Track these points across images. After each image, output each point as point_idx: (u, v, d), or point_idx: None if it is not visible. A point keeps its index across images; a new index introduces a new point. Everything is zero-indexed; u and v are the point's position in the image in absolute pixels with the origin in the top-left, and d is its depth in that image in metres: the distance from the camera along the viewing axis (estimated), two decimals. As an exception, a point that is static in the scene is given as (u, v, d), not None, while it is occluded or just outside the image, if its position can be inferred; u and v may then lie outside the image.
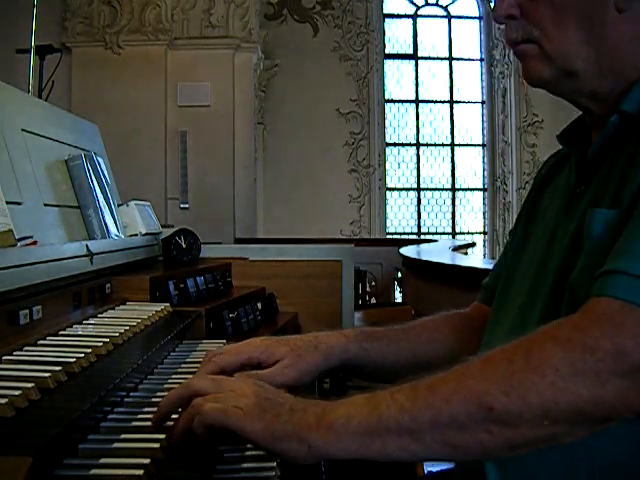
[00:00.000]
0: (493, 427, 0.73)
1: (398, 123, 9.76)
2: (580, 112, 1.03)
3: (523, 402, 0.72)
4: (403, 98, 9.76)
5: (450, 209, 9.84)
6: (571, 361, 0.72)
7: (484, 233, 9.87)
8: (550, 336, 0.75)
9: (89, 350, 1.04)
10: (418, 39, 9.77)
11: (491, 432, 0.73)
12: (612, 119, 0.91)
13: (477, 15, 9.85)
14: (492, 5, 0.99)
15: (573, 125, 1.06)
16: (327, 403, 0.80)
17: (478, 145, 9.82)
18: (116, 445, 0.81)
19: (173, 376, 1.17)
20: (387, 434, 0.75)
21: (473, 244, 7.98)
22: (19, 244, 1.29)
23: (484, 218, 9.87)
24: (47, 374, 0.88)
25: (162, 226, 2.42)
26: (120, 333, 1.19)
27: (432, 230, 9.73)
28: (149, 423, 0.89)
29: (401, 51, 9.78)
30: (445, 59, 9.82)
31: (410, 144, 9.77)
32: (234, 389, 0.82)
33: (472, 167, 9.84)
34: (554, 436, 0.75)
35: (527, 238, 1.10)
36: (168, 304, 1.62)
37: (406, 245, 6.00)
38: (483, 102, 9.78)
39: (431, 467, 1.51)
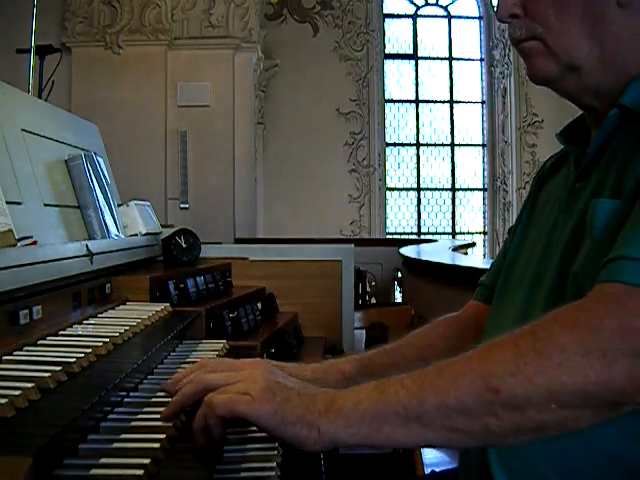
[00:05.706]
0: (500, 410, 0.72)
1: (398, 123, 9.76)
2: (581, 112, 1.03)
3: (530, 384, 0.71)
4: (403, 98, 9.76)
5: (450, 209, 9.84)
6: (578, 342, 0.71)
7: (484, 233, 9.87)
8: (556, 319, 0.75)
9: (89, 350, 1.04)
10: (418, 39, 9.77)
11: (498, 415, 0.72)
12: (611, 113, 0.92)
13: (477, 15, 9.85)
14: (495, 4, 0.99)
15: (573, 124, 1.07)
16: (337, 390, 0.81)
17: (478, 145, 9.82)
18: (116, 445, 0.81)
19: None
20: (395, 419, 0.75)
21: (473, 244, 7.99)
22: (19, 244, 1.29)
23: (484, 218, 9.87)
24: (47, 374, 0.88)
25: (162, 226, 2.42)
26: (120, 333, 1.19)
27: (432, 230, 9.73)
28: (149, 423, 0.89)
29: (401, 51, 9.78)
30: (445, 59, 9.81)
31: (410, 144, 9.77)
32: (244, 378, 0.83)
33: (472, 167, 9.84)
34: (562, 421, 0.73)
35: (527, 233, 1.10)
36: (168, 304, 1.62)
37: (406, 245, 6.00)
38: (483, 102, 9.78)
39: (434, 467, 1.50)
